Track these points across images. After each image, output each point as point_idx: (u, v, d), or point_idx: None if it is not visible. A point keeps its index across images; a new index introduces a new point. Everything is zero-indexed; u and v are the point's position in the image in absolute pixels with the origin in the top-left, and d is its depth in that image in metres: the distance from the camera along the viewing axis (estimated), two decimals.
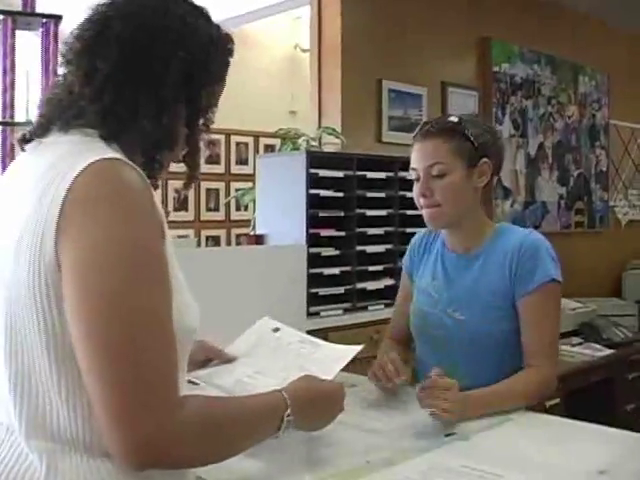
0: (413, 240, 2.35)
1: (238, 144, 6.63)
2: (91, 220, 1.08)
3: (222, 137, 6.44)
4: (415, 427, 1.71)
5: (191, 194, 6.18)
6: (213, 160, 6.40)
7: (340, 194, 3.69)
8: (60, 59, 1.26)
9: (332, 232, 3.66)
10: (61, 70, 1.27)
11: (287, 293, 2.47)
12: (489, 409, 1.80)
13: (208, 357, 1.76)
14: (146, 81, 1.21)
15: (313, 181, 3.55)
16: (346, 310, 3.69)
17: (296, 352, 1.79)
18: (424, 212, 2.08)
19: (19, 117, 3.38)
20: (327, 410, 1.49)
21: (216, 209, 6.44)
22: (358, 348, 1.75)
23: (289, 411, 1.31)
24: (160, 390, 1.07)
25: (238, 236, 5.88)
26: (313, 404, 1.41)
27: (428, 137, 2.05)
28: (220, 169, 6.44)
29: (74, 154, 1.14)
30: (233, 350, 1.80)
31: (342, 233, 3.70)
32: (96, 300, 1.05)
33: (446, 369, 1.92)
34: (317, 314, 3.54)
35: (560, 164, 6.07)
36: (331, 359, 1.73)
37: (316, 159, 3.61)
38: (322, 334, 3.48)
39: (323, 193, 3.60)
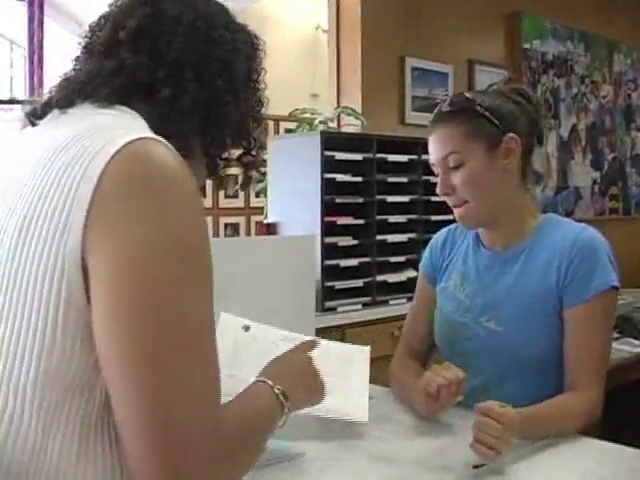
0: (435, 238, 2.02)
1: None
2: (137, 207, 0.91)
3: None
4: (440, 455, 1.44)
5: (208, 181, 5.93)
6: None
7: (358, 179, 3.42)
8: (103, 33, 1.13)
9: (350, 220, 3.39)
10: (100, 46, 1.12)
11: (294, 288, 2.21)
12: (535, 432, 1.51)
13: None
14: (221, 67, 1.13)
15: (328, 164, 3.28)
16: (365, 305, 3.43)
17: None
18: (454, 211, 1.79)
19: (1, 94, 3.12)
20: (309, 380, 1.35)
21: (235, 196, 6.19)
22: (365, 349, 1.71)
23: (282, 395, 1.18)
24: (210, 412, 0.93)
25: (257, 223, 5.69)
26: (298, 381, 1.28)
27: (439, 123, 1.77)
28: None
29: (113, 128, 0.98)
30: None
31: (361, 221, 3.42)
32: (141, 303, 0.89)
33: (477, 388, 1.66)
34: (333, 309, 3.30)
35: (594, 147, 5.78)
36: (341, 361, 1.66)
37: (331, 140, 3.33)
38: (339, 331, 3.26)
39: (339, 177, 3.33)
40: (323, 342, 1.68)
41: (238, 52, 1.16)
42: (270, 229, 3.49)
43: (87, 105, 1.06)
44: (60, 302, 0.90)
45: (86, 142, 0.95)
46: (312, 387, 1.35)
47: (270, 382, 1.18)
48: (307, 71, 6.56)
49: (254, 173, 1.28)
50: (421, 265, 2.03)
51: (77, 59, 1.14)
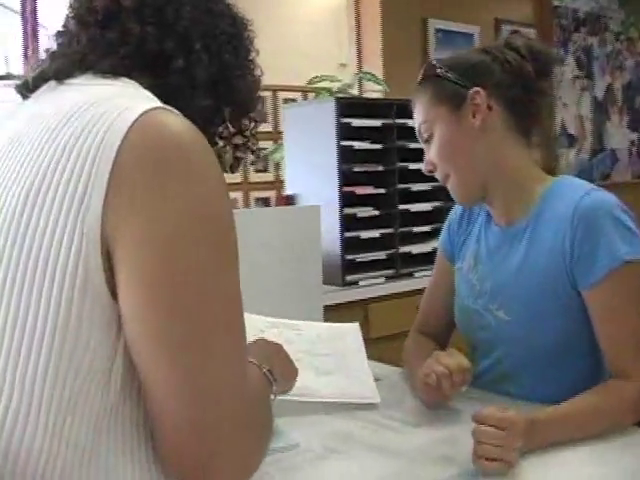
0: (453, 210, 1.84)
1: (286, 101, 6.23)
2: (162, 180, 0.85)
3: (269, 94, 6.02)
4: (446, 445, 1.30)
5: None
6: (260, 118, 6.01)
7: (378, 146, 3.24)
8: (99, 2, 1.04)
9: (370, 190, 3.22)
10: (97, 16, 1.03)
11: (299, 262, 2.07)
12: (563, 436, 1.31)
13: None
14: (227, 40, 1.08)
15: (345, 132, 3.11)
16: (388, 278, 3.26)
17: (286, 339, 1.55)
18: None
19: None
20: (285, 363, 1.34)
21: (265, 170, 6.06)
22: (355, 325, 1.71)
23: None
24: (241, 387, 0.90)
25: (257, 200, 5.65)
26: (274, 362, 1.23)
27: (413, 97, 1.64)
28: (267, 127, 6.05)
29: (121, 96, 0.92)
30: None
31: (381, 190, 3.25)
32: (172, 281, 0.84)
33: (497, 378, 1.51)
34: (355, 283, 3.14)
35: (630, 107, 5.54)
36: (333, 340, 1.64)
37: (348, 107, 3.15)
38: (362, 305, 3.12)
39: (357, 145, 3.15)
40: (311, 324, 1.66)
41: (238, 27, 1.11)
42: (289, 201, 3.35)
43: (88, 76, 0.99)
44: (76, 280, 0.82)
45: (99, 109, 0.88)
46: (286, 371, 1.31)
47: (255, 361, 1.12)
48: (336, 40, 6.40)
49: (244, 155, 1.19)
50: (439, 240, 1.86)
51: (63, 31, 1.06)
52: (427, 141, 1.60)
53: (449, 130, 1.55)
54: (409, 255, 3.34)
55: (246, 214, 2.09)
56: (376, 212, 3.24)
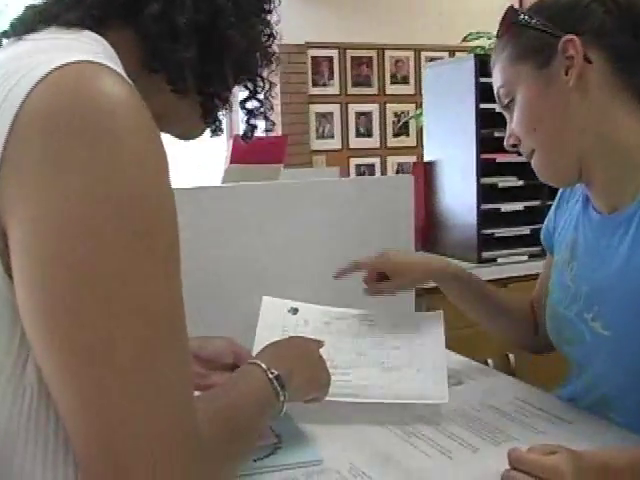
0: (560, 191, 1.50)
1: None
2: (65, 149, 0.70)
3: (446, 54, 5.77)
4: None
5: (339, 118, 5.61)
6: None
7: None
8: None
9: (512, 158, 2.88)
10: None
11: (386, 238, 1.85)
12: None
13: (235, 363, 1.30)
14: None
15: (485, 93, 2.79)
16: (532, 256, 2.93)
17: (354, 332, 1.46)
18: None
19: None
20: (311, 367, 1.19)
21: (405, 134, 5.85)
22: (438, 312, 1.49)
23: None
24: (177, 411, 0.74)
25: (400, 165, 5.41)
26: (297, 367, 1.11)
27: (493, 54, 1.32)
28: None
29: (51, 50, 0.77)
30: None
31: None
32: (82, 292, 0.68)
33: (595, 404, 1.23)
34: (493, 260, 2.87)
35: None
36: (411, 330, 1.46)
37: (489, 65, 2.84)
38: (499, 285, 2.83)
39: (500, 107, 2.83)
40: (388, 314, 1.50)
41: None
42: (426, 169, 3.09)
43: (50, 30, 0.85)
44: None
45: (11, 66, 0.75)
46: (314, 376, 1.18)
47: (263, 365, 1.02)
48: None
49: (258, 122, 1.05)
50: (542, 229, 1.57)
51: None
52: (507, 107, 1.30)
53: (534, 92, 1.22)
54: None
55: (328, 185, 1.87)
56: (520, 182, 2.92)
